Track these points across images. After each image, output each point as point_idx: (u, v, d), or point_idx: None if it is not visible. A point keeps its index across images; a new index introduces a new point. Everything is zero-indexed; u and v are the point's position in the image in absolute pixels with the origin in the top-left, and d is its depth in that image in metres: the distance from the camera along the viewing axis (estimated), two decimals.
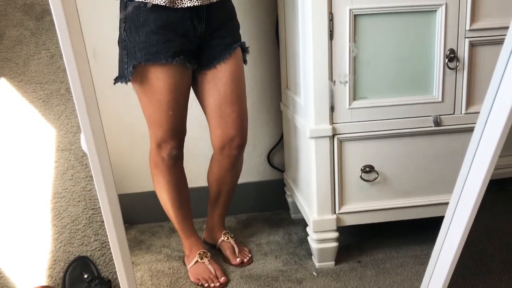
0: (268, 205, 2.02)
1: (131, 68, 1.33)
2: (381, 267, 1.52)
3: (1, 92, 1.56)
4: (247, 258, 1.61)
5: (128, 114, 1.84)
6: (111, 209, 1.00)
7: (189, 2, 1.32)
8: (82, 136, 1.04)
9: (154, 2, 1.30)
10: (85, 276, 1.27)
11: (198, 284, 1.49)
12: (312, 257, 1.59)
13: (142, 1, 1.31)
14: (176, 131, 1.44)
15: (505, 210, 1.41)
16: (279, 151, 1.99)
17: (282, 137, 1.95)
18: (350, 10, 1.36)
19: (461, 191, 1.09)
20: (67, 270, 1.31)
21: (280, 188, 1.99)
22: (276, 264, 1.59)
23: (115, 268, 1.38)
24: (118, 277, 1.03)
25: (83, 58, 0.83)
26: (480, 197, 1.06)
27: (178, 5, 1.32)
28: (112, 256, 1.32)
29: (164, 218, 1.91)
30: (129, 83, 1.40)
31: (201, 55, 1.42)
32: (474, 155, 1.02)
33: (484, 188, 1.05)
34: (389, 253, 1.59)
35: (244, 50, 1.52)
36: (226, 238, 1.65)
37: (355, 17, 1.38)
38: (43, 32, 1.71)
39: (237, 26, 1.50)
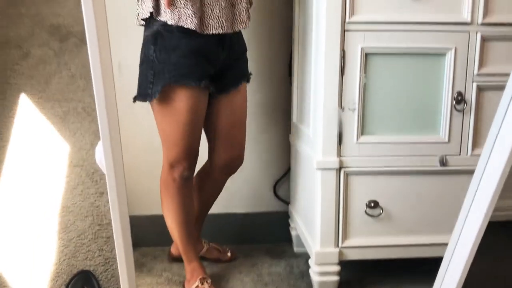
0: (271, 237, 2.03)
1: (159, 87, 1.40)
2: None
3: (21, 107, 1.62)
4: (230, 251, 1.84)
5: (141, 137, 1.89)
6: (122, 221, 1.03)
7: (215, 30, 1.41)
8: (97, 150, 1.07)
9: (185, 26, 1.37)
10: None
11: None
12: None
13: (175, 26, 1.38)
14: (190, 152, 1.50)
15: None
16: (286, 183, 2.01)
17: (289, 169, 1.97)
18: (362, 48, 1.42)
19: (461, 231, 1.10)
20: (69, 283, 1.32)
21: (285, 220, 2.00)
22: None
23: (116, 284, 1.39)
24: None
25: (109, 72, 0.88)
26: (479, 237, 1.07)
27: (205, 32, 1.40)
28: (114, 272, 1.33)
29: (166, 242, 1.93)
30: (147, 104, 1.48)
31: (218, 81, 1.50)
32: (475, 194, 1.04)
33: (484, 228, 1.06)
34: None
35: (248, 80, 1.64)
36: (207, 245, 1.81)
37: (366, 56, 1.43)
38: (66, 53, 1.77)
39: (247, 59, 1.62)
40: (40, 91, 1.66)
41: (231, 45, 1.49)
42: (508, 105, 0.98)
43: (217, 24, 1.41)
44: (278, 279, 1.69)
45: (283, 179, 2.01)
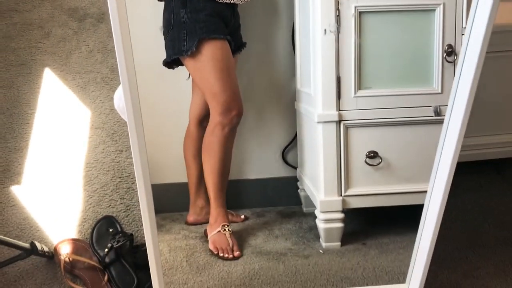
0: (281, 201, 2.13)
1: (195, 41, 1.57)
2: (384, 248, 1.61)
3: (45, 79, 1.77)
4: (243, 215, 1.91)
5: (157, 107, 2.01)
6: (142, 163, 1.15)
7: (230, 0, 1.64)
8: (115, 96, 1.20)
9: None
10: (110, 230, 1.41)
11: (214, 253, 1.62)
12: (320, 239, 1.69)
13: None
14: (238, 97, 1.66)
15: (501, 191, 1.50)
16: (293, 149, 2.12)
17: (296, 136, 2.08)
18: (355, 7, 1.52)
19: (436, 171, 1.20)
20: (95, 226, 1.46)
21: (294, 185, 2.10)
22: (285, 244, 1.70)
23: (137, 227, 1.53)
24: (143, 225, 1.16)
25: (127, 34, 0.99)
26: (452, 172, 1.16)
27: (220, 0, 1.62)
28: (135, 217, 1.46)
29: (184, 208, 2.06)
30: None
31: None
32: (445, 137, 1.14)
33: (454, 165, 1.15)
34: (393, 238, 1.68)
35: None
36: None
37: (360, 14, 1.53)
38: (83, 31, 1.92)
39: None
40: (62, 65, 1.81)
41: (236, 15, 1.72)
42: (466, 50, 1.07)
43: None
44: (288, 233, 1.80)
45: (290, 145, 2.12)
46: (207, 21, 1.59)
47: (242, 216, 1.96)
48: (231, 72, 1.64)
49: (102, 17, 1.96)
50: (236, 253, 1.62)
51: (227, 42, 1.64)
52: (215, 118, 1.66)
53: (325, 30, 1.52)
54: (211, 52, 1.60)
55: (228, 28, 1.68)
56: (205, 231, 1.76)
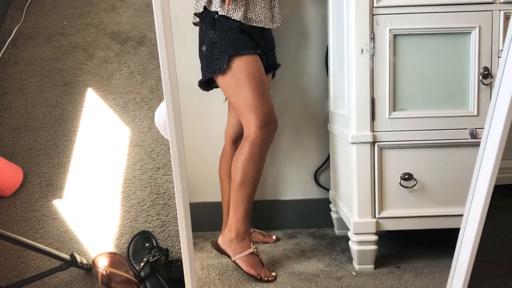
0: (313, 223, 2.13)
1: (226, 59, 1.62)
2: (419, 272, 1.58)
3: (88, 99, 1.85)
4: (274, 236, 1.92)
5: (196, 127, 2.06)
6: (182, 183, 1.19)
7: (255, 23, 1.70)
8: (157, 113, 1.25)
9: (232, 18, 1.65)
10: (147, 245, 1.44)
11: (252, 275, 1.59)
12: (353, 261, 1.67)
13: (226, 17, 1.66)
14: (274, 111, 1.67)
15: None
16: (326, 171, 2.13)
17: (328, 157, 2.09)
18: (390, 30, 1.54)
19: (473, 194, 1.18)
20: (132, 241, 1.50)
21: (326, 206, 2.10)
22: (318, 265, 1.69)
23: (172, 242, 1.55)
24: (181, 241, 1.18)
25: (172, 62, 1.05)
26: (489, 195, 1.14)
27: (250, 23, 1.69)
28: (170, 233, 1.49)
29: (217, 227, 2.08)
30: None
31: None
32: (482, 159, 1.13)
33: (492, 187, 1.13)
34: (427, 262, 1.65)
35: (273, 75, 1.90)
36: (251, 230, 1.84)
37: (395, 37, 1.55)
38: (125, 54, 2.01)
39: (275, 55, 1.89)
40: (103, 85, 1.89)
41: (268, 37, 1.78)
42: (503, 73, 1.07)
43: (257, 19, 1.69)
44: (320, 254, 1.80)
45: (323, 167, 2.13)
46: (236, 39, 1.64)
47: (274, 237, 1.97)
48: (266, 87, 1.68)
49: (143, 40, 2.04)
50: (274, 274, 1.61)
51: (259, 57, 1.69)
52: (253, 131, 1.62)
53: (361, 49, 1.54)
54: (244, 68, 1.63)
55: (258, 46, 1.73)
56: (214, 242, 1.70)
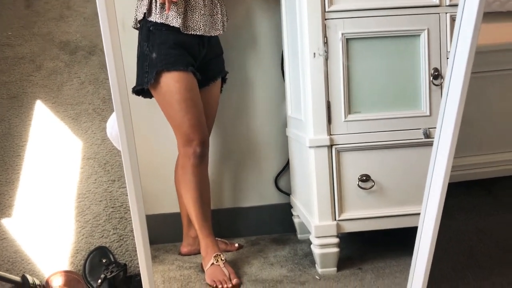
0: (275, 228, 2.12)
1: (153, 74, 1.62)
2: (381, 272, 1.60)
3: (37, 112, 1.77)
4: (237, 243, 1.88)
5: (149, 137, 2.02)
6: (136, 194, 1.15)
7: (194, 31, 1.67)
8: (108, 124, 1.21)
9: (171, 24, 1.62)
10: (104, 261, 1.39)
11: (213, 286, 1.58)
12: (316, 264, 1.67)
13: (162, 26, 1.63)
14: (199, 129, 1.66)
15: (493, 211, 1.50)
16: (285, 176, 2.13)
17: (288, 162, 2.09)
18: (342, 34, 1.56)
19: (428, 193, 1.21)
20: (88, 257, 1.44)
21: (287, 211, 2.10)
22: (281, 271, 1.68)
23: (130, 257, 1.51)
24: (138, 254, 1.14)
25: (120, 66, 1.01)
26: (444, 193, 1.17)
27: (185, 31, 1.65)
28: (128, 247, 1.44)
29: (178, 239, 2.04)
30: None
31: (201, 74, 1.72)
32: (435, 156, 1.15)
33: (446, 184, 1.16)
34: (388, 262, 1.67)
35: (223, 80, 1.89)
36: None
37: (347, 41, 1.57)
38: (75, 64, 1.94)
39: (223, 61, 1.87)
40: (53, 97, 1.82)
41: (210, 45, 1.76)
42: (451, 73, 1.09)
43: (196, 27, 1.67)
44: (283, 260, 1.79)
45: (282, 172, 2.13)
46: (167, 54, 1.63)
47: (236, 245, 1.95)
48: (190, 104, 1.65)
49: (94, 50, 1.99)
50: (234, 281, 1.59)
51: (193, 73, 1.66)
52: (180, 150, 1.70)
53: (314, 53, 1.55)
54: (170, 85, 1.63)
55: (196, 59, 1.71)
56: (201, 264, 1.74)
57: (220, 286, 1.58)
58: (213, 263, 1.64)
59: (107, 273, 1.34)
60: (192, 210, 1.70)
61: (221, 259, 1.66)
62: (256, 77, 2.05)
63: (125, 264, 1.42)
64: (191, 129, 1.65)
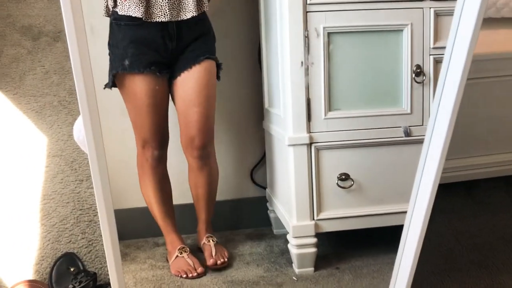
0: (251, 222, 2.08)
1: (111, 76, 1.57)
2: (358, 272, 1.58)
3: None
4: (221, 260, 1.66)
5: (117, 132, 1.92)
6: (104, 196, 1.07)
7: (158, 18, 1.52)
8: (75, 127, 1.12)
9: (133, 15, 1.50)
10: (72, 270, 1.32)
11: (178, 276, 1.60)
12: (293, 264, 1.64)
13: (122, 20, 1.53)
14: (156, 133, 1.62)
15: (472, 213, 1.50)
16: (262, 169, 2.08)
17: (264, 155, 2.04)
18: (324, 28, 1.49)
19: (417, 193, 1.18)
20: (54, 265, 1.36)
21: (263, 205, 2.06)
22: (257, 271, 1.64)
23: (101, 263, 1.43)
24: (107, 262, 1.07)
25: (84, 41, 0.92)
26: (434, 193, 1.14)
27: (149, 20, 1.52)
28: (97, 253, 1.37)
29: (148, 234, 1.97)
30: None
31: (173, 66, 1.62)
32: (426, 157, 1.12)
33: (436, 186, 1.14)
34: (366, 261, 1.65)
35: (218, 66, 1.69)
36: (207, 241, 1.74)
37: (329, 35, 1.51)
38: (39, 51, 1.82)
39: (209, 41, 1.66)
40: (15, 87, 1.70)
41: (180, 35, 1.58)
42: (447, 71, 1.05)
43: (160, 13, 1.53)
44: (259, 258, 1.75)
45: (259, 165, 2.08)
46: (123, 54, 1.54)
47: (211, 261, 1.67)
48: (148, 109, 1.58)
49: (59, 36, 1.86)
50: (199, 270, 1.60)
51: (151, 74, 1.55)
52: (138, 150, 1.67)
53: (301, 62, 1.48)
54: (127, 88, 1.57)
55: (163, 54, 1.57)
56: (167, 257, 1.73)
57: (184, 275, 1.60)
58: (177, 256, 1.65)
59: (75, 283, 1.26)
60: (154, 209, 1.70)
61: (185, 251, 1.67)
62: (231, 67, 1.97)
63: (94, 273, 1.34)
64: (148, 133, 1.61)
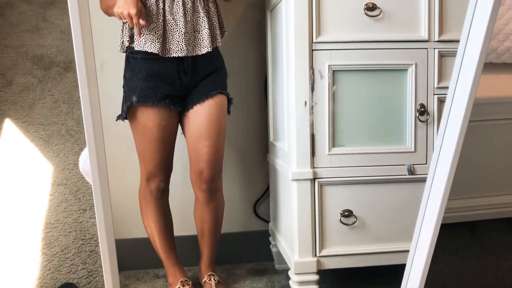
0: (253, 256, 2.06)
1: (125, 108, 1.58)
2: None
3: (5, 131, 1.67)
4: None
5: (123, 161, 1.93)
6: (106, 226, 1.07)
7: (175, 53, 1.56)
8: (81, 158, 1.13)
9: (149, 50, 1.54)
10: None
11: None
12: None
13: (138, 54, 1.56)
14: (163, 166, 1.64)
15: (476, 254, 1.48)
16: (265, 202, 2.07)
17: (268, 188, 2.04)
18: (329, 66, 1.52)
19: (419, 233, 1.17)
20: None
21: (266, 239, 2.04)
22: None
23: None
24: None
25: (93, 75, 0.95)
26: (436, 233, 1.14)
27: (166, 55, 1.56)
28: (97, 284, 1.36)
29: (149, 265, 1.96)
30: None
31: (186, 99, 1.64)
32: (428, 197, 1.12)
33: (439, 226, 1.13)
34: None
35: (229, 100, 1.71)
36: (208, 279, 1.70)
37: (334, 73, 1.53)
38: (49, 80, 1.85)
39: (222, 76, 1.69)
40: (24, 115, 1.72)
41: (194, 69, 1.61)
42: (449, 113, 1.06)
43: (177, 48, 1.56)
44: None
45: (262, 198, 2.07)
46: (139, 86, 1.57)
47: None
48: (158, 144, 1.60)
49: (70, 66, 1.90)
50: None
51: (165, 107, 1.58)
52: (142, 181, 1.67)
53: (305, 102, 1.51)
54: (139, 120, 1.59)
55: (177, 88, 1.60)
56: None
57: None
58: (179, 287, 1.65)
59: None
60: (156, 241, 1.70)
61: (187, 284, 1.66)
62: (239, 100, 2.00)
63: None
64: (156, 167, 1.63)
